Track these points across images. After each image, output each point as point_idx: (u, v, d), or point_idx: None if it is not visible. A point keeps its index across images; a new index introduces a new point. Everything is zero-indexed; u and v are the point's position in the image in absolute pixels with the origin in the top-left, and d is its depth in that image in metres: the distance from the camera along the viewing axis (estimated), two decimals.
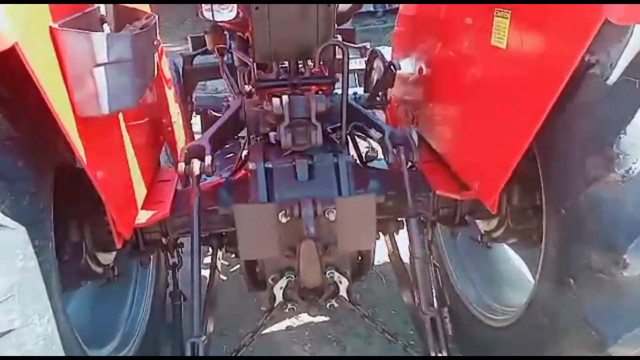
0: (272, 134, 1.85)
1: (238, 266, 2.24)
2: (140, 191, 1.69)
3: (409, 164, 1.69)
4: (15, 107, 1.10)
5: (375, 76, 2.32)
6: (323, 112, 1.65)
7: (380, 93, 2.22)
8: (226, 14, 1.59)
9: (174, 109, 2.37)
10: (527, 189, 1.70)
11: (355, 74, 3.14)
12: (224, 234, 1.95)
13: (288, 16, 1.59)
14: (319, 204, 1.53)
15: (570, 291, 1.36)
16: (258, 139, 1.95)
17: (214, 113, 2.77)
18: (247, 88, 2.19)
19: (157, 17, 1.42)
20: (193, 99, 3.17)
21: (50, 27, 1.05)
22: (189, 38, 3.23)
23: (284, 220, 1.53)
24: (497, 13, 1.42)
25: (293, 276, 1.72)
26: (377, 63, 2.27)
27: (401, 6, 2.38)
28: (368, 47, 2.66)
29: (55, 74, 1.07)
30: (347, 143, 1.81)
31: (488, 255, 2.29)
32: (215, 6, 1.55)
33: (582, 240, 1.31)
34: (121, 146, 1.54)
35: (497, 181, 1.48)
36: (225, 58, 2.76)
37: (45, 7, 1.05)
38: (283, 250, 1.60)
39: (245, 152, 2.13)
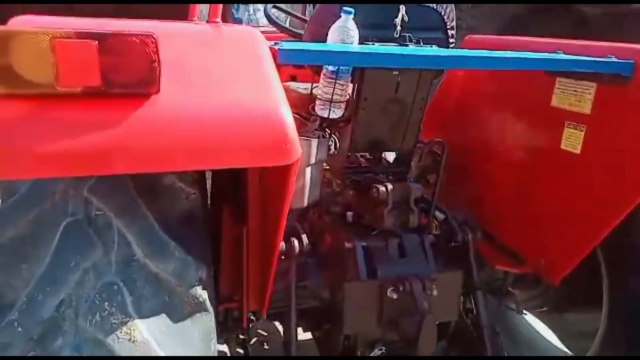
0: (349, 213, 2.01)
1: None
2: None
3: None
4: None
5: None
6: (418, 198, 1.89)
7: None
8: (338, 112, 1.80)
9: None
10: None
11: None
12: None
13: (388, 114, 1.84)
14: (426, 280, 1.75)
15: None
16: (328, 217, 2.11)
17: None
18: None
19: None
20: None
21: None
22: None
23: (394, 296, 1.72)
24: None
25: (384, 349, 1.87)
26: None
27: (443, 79, 2.33)
28: None
29: None
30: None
31: (515, 322, 2.59)
32: (334, 105, 1.75)
33: None
34: None
35: (568, 263, 1.79)
36: None
37: None
38: (386, 325, 1.78)
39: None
